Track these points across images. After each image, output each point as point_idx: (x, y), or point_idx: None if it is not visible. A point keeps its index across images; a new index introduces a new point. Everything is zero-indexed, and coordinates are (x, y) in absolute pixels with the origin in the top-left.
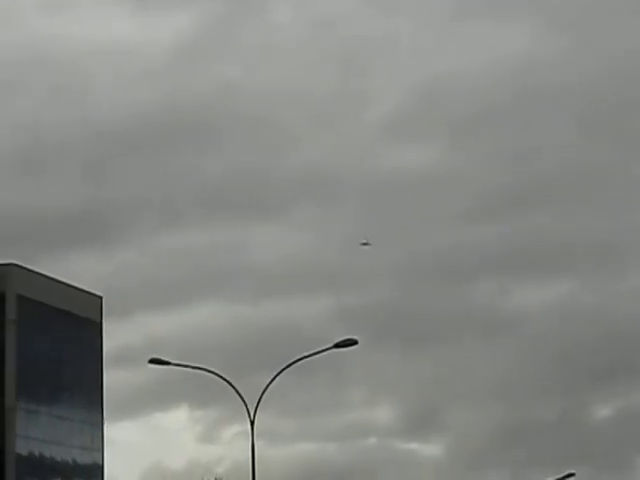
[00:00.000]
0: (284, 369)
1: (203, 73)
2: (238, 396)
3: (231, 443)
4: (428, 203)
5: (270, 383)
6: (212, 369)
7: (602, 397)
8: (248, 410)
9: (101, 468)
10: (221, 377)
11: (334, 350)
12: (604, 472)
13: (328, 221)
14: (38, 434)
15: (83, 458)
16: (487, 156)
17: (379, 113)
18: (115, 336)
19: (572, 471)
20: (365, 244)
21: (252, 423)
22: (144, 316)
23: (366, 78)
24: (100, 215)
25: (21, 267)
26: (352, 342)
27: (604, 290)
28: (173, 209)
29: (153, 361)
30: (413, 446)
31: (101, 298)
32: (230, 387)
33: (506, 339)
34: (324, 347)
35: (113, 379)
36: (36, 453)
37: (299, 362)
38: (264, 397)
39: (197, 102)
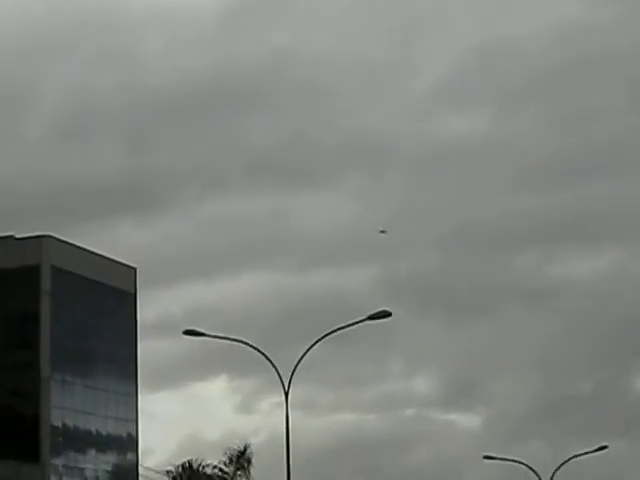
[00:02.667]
0: (317, 341)
1: (253, 40)
2: (274, 368)
3: (269, 413)
4: (477, 171)
5: (304, 355)
6: (247, 340)
7: None
8: (282, 381)
9: (135, 439)
10: (255, 348)
11: (373, 321)
12: None
13: (376, 190)
14: (73, 405)
15: (117, 429)
16: (538, 124)
17: (429, 80)
18: (157, 305)
19: (605, 444)
20: (382, 232)
21: (286, 394)
22: (187, 285)
23: (416, 45)
24: (144, 183)
25: (56, 238)
26: (386, 314)
27: None
28: (219, 177)
29: (188, 332)
30: (452, 417)
31: (135, 269)
32: (265, 358)
33: (551, 310)
34: (359, 319)
35: (154, 349)
36: (70, 424)
37: (338, 332)
38: (303, 368)
39: (246, 69)
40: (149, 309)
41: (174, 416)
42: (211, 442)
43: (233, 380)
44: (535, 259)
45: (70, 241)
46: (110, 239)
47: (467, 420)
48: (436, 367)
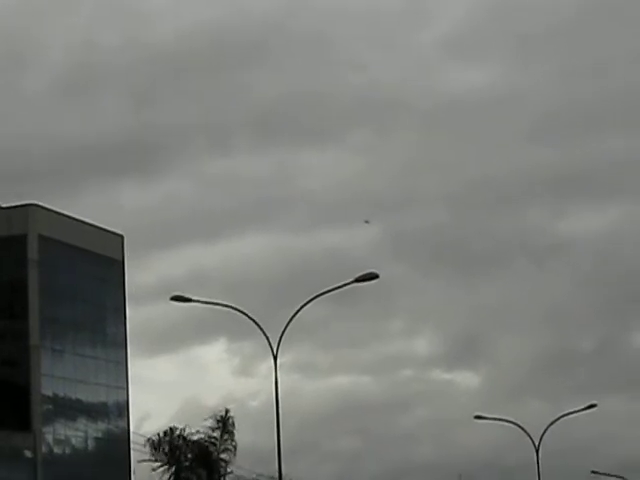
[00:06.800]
0: (304, 305)
1: None
2: (262, 332)
3: (267, 376)
4: (490, 125)
5: (291, 319)
6: (235, 305)
7: None
8: (271, 345)
9: (126, 406)
10: (244, 313)
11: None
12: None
13: (384, 145)
14: (63, 373)
15: (108, 397)
16: (552, 75)
17: (441, 31)
18: (157, 269)
19: (594, 402)
20: (366, 222)
21: (275, 358)
22: (189, 248)
23: None
24: (147, 142)
25: (42, 207)
26: (373, 276)
27: None
28: (222, 134)
29: (175, 298)
30: (451, 377)
31: (122, 237)
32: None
33: (557, 265)
34: (346, 281)
35: (154, 313)
36: (61, 392)
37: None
38: (303, 329)
39: (252, 21)
40: (149, 273)
41: (172, 381)
42: (210, 406)
43: (232, 343)
44: (544, 213)
45: (56, 209)
46: (111, 200)
47: (467, 380)
48: (439, 326)
